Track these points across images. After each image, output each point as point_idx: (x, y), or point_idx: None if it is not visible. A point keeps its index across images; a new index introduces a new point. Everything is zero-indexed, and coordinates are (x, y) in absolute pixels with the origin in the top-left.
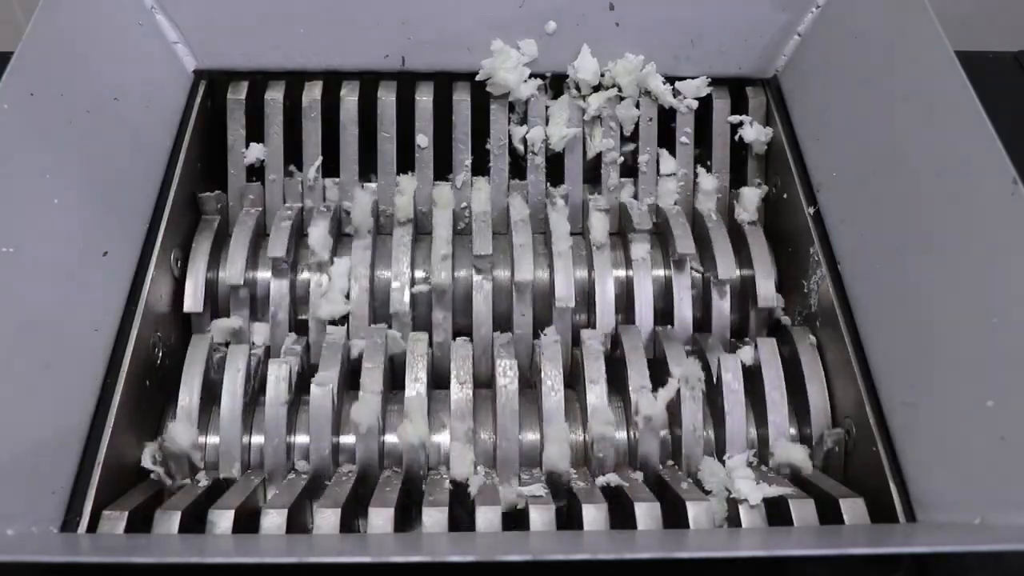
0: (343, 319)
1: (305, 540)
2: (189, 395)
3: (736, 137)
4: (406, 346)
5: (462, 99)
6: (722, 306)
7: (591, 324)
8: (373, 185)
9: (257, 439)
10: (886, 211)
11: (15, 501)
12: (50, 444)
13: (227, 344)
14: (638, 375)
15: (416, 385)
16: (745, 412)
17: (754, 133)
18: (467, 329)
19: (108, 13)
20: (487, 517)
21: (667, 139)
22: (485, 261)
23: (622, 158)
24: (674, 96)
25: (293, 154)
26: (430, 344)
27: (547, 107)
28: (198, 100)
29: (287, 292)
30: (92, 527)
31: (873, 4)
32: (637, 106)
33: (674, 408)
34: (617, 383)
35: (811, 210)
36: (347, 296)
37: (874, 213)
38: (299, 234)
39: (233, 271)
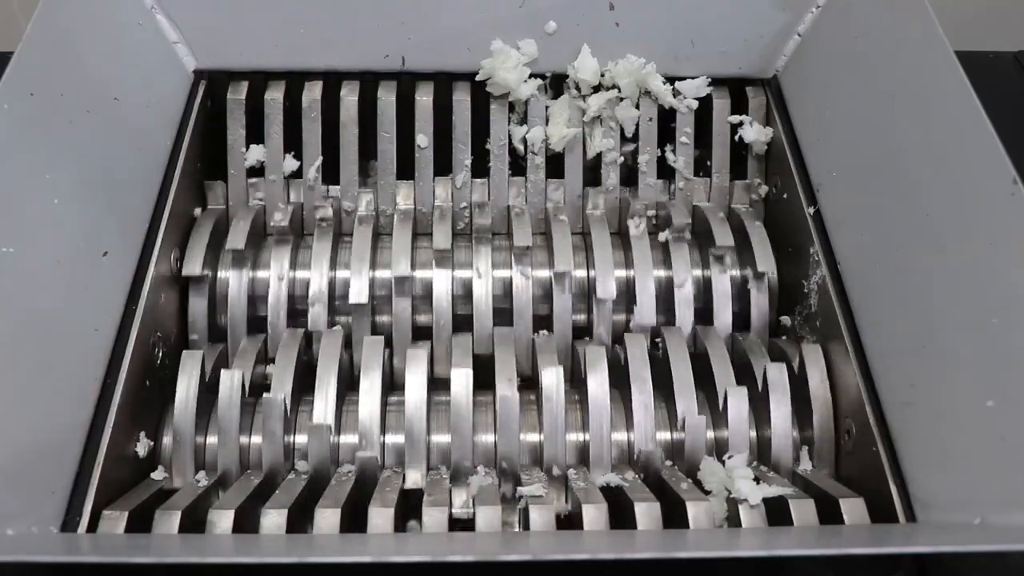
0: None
1: (305, 540)
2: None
3: (736, 137)
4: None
5: (462, 99)
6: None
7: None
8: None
9: (256, 439)
10: (886, 211)
11: (15, 501)
12: (50, 444)
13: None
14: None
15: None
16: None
17: (754, 133)
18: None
19: (108, 13)
20: (487, 517)
21: (667, 139)
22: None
23: (622, 158)
24: (674, 96)
25: (293, 154)
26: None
27: (547, 107)
28: (198, 100)
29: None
30: (92, 527)
31: (873, 4)
32: (637, 107)
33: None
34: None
35: (811, 210)
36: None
37: (874, 213)
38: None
39: (236, 238)
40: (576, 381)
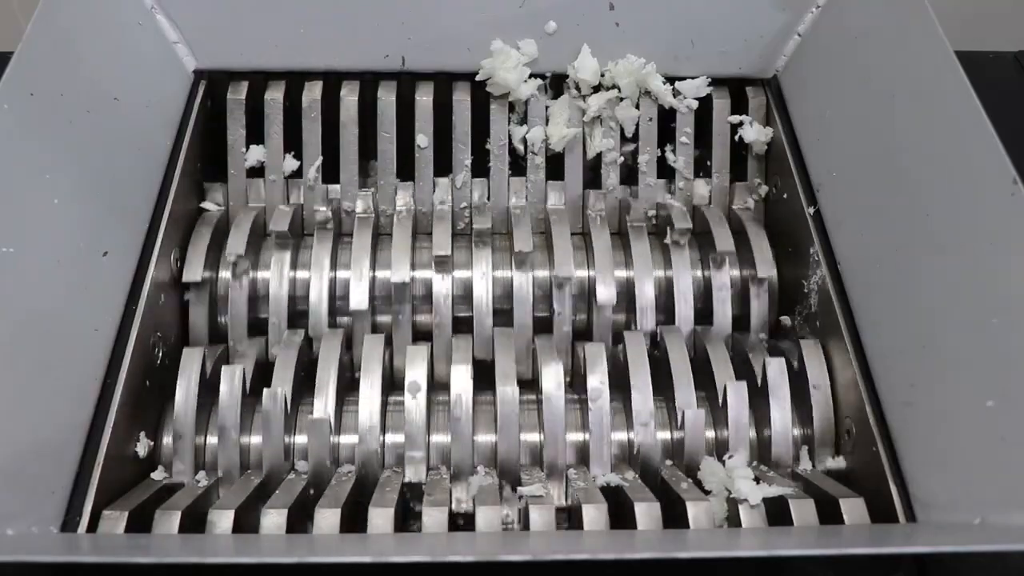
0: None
1: (305, 540)
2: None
3: (736, 137)
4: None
5: (462, 99)
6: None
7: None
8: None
9: (256, 439)
10: (886, 211)
11: (15, 501)
12: (50, 444)
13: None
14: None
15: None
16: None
17: (754, 133)
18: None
19: (108, 13)
20: (487, 517)
21: (667, 139)
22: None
23: (622, 158)
24: (674, 96)
25: (293, 154)
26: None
27: (547, 107)
28: (198, 100)
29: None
30: (92, 527)
31: (873, 4)
32: (637, 107)
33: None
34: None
35: (811, 210)
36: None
37: (874, 213)
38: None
39: (235, 243)
40: (576, 381)
